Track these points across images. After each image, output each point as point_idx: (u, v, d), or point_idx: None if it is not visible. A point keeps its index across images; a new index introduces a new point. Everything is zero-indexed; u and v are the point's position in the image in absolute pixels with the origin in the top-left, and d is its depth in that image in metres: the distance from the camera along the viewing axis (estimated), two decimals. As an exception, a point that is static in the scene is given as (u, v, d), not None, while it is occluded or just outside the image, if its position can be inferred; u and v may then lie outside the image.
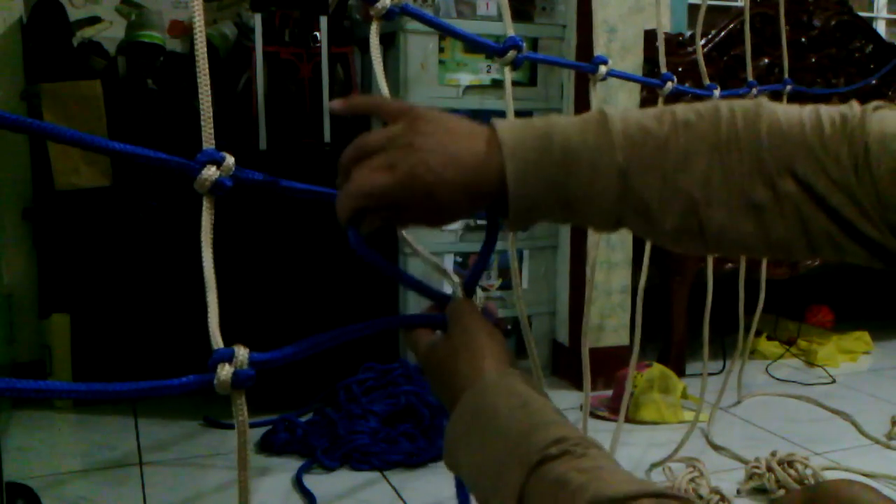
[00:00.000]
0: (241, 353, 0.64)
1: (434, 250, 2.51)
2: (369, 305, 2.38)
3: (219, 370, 0.63)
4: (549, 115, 0.69)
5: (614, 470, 0.55)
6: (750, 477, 1.89)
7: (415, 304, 2.47)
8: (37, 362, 2.39)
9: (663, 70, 1.55)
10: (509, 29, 1.02)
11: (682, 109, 0.66)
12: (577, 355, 1.83)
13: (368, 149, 0.68)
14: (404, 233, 0.81)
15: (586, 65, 1.29)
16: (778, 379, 2.71)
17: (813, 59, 3.10)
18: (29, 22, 2.40)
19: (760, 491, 1.86)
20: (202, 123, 0.65)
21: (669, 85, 1.52)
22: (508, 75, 1.02)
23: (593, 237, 1.39)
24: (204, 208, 0.66)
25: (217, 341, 0.64)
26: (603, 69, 1.27)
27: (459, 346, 0.68)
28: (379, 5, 0.79)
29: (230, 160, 0.66)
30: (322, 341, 0.69)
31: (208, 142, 0.66)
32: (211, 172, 0.65)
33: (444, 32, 0.94)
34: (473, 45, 1.01)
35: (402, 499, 1.83)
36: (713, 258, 1.84)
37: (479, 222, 2.55)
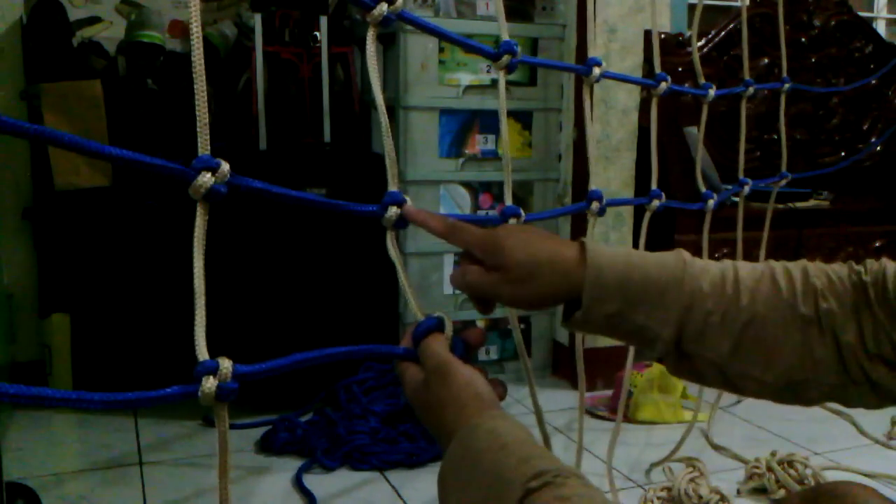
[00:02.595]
0: (226, 365, 0.64)
1: (434, 250, 2.51)
2: (369, 307, 2.38)
3: (203, 382, 0.63)
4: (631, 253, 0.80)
5: (592, 496, 0.58)
6: (750, 477, 1.89)
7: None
8: (37, 362, 2.39)
9: (657, 70, 1.55)
10: (504, 32, 1.02)
11: (745, 285, 0.78)
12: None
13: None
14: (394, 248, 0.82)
15: (580, 67, 1.29)
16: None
17: (813, 59, 3.09)
18: (29, 22, 2.40)
19: (760, 491, 1.86)
20: (198, 130, 0.65)
21: (663, 85, 1.52)
22: (503, 79, 1.03)
23: (590, 237, 1.39)
24: (198, 215, 0.66)
25: (202, 352, 0.64)
26: (597, 71, 1.26)
27: (439, 396, 0.71)
28: (375, 12, 0.79)
29: (225, 167, 0.66)
30: (304, 360, 0.71)
31: (204, 148, 0.66)
32: (206, 179, 0.65)
33: (441, 38, 0.94)
34: (468, 49, 1.02)
35: (402, 499, 1.83)
36: (712, 257, 1.83)
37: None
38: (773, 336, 0.76)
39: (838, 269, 0.78)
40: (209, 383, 0.63)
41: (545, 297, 0.78)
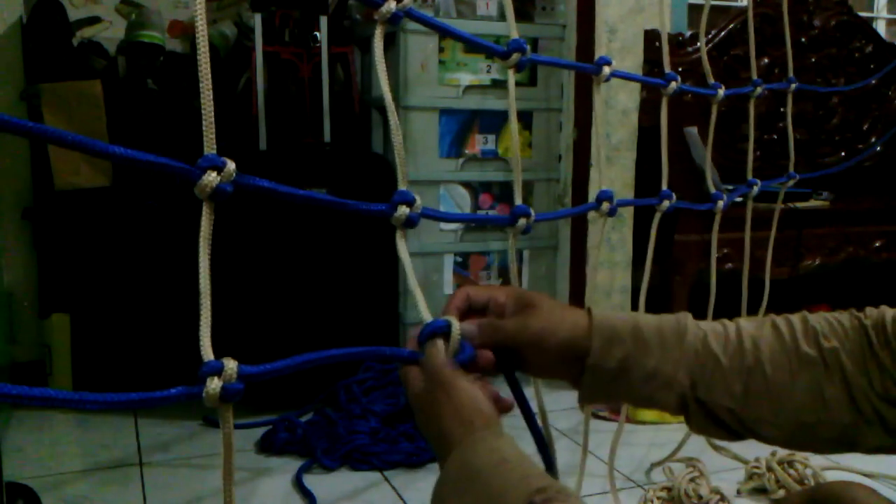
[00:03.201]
0: (231, 366, 0.63)
1: (434, 251, 2.51)
2: (370, 307, 2.38)
3: (208, 383, 0.62)
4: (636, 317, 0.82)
5: None
6: (750, 477, 1.89)
7: (414, 307, 2.47)
8: (37, 362, 2.39)
9: (667, 70, 1.54)
10: (513, 31, 1.01)
11: (746, 332, 0.80)
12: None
13: None
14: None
15: (590, 66, 1.28)
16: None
17: (813, 59, 3.09)
18: (29, 22, 2.40)
19: (760, 491, 1.86)
20: (204, 128, 0.65)
21: (673, 85, 1.51)
22: (512, 78, 1.02)
23: (594, 238, 1.39)
24: (203, 214, 0.65)
25: (207, 353, 0.64)
26: (606, 70, 1.26)
27: (441, 408, 0.71)
28: (383, 9, 0.79)
29: (231, 166, 0.66)
30: (310, 360, 0.70)
31: (210, 147, 0.65)
32: (212, 178, 0.65)
33: (450, 36, 0.94)
34: (477, 48, 1.01)
35: (402, 499, 1.83)
36: (714, 257, 1.83)
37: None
38: (780, 379, 0.77)
39: (838, 315, 0.80)
40: (214, 384, 0.62)
41: (566, 339, 0.78)
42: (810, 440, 0.79)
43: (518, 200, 1.02)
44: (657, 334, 0.79)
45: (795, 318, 0.81)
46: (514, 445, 0.67)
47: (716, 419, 0.79)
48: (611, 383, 0.79)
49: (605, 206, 1.31)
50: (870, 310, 0.79)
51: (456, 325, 0.76)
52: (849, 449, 0.78)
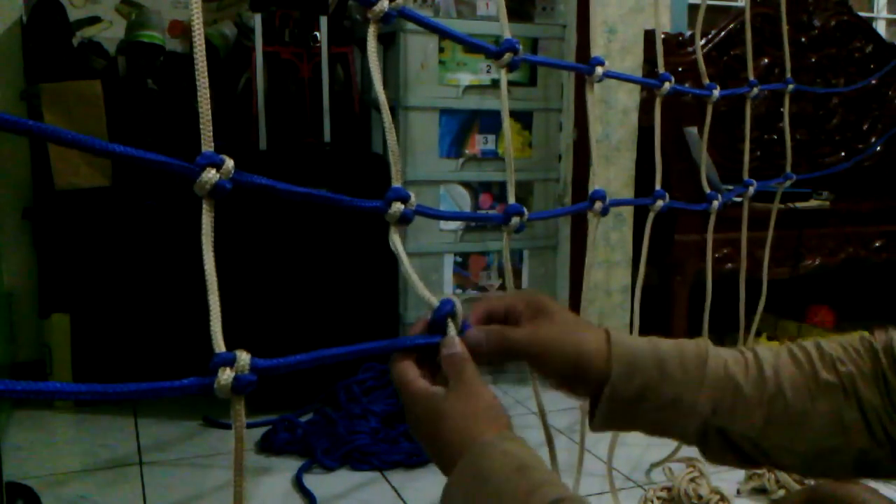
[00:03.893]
0: (243, 357, 0.63)
1: (434, 251, 2.51)
2: (369, 308, 2.38)
3: (220, 374, 0.62)
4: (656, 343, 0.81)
5: None
6: (750, 477, 1.89)
7: (414, 307, 2.47)
8: (37, 362, 2.39)
9: (661, 70, 1.54)
10: (506, 31, 1.02)
11: (766, 360, 0.80)
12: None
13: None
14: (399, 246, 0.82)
15: (582, 66, 1.29)
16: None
17: (813, 59, 3.10)
18: (29, 22, 2.40)
19: (760, 491, 1.86)
20: (201, 126, 0.65)
21: (667, 85, 1.52)
22: (504, 78, 1.03)
23: (592, 238, 1.39)
24: (204, 211, 0.66)
25: (219, 345, 0.64)
26: (599, 70, 1.26)
27: (458, 407, 0.70)
28: (377, 8, 0.79)
29: (230, 163, 0.66)
30: (325, 356, 0.70)
31: (207, 144, 0.66)
32: (210, 175, 0.65)
33: (442, 35, 0.95)
34: (470, 47, 1.02)
35: (402, 499, 1.83)
36: (712, 257, 1.83)
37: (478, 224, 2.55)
38: (800, 406, 0.77)
39: (850, 339, 0.80)
40: (226, 375, 0.62)
41: (583, 354, 0.77)
42: (829, 467, 0.78)
43: (511, 199, 1.02)
44: (678, 362, 0.78)
45: (810, 345, 0.80)
46: (527, 450, 0.67)
47: (734, 447, 0.78)
48: (628, 410, 0.78)
49: (598, 205, 1.31)
50: (878, 333, 0.79)
51: (458, 302, 0.76)
52: (868, 475, 0.78)
